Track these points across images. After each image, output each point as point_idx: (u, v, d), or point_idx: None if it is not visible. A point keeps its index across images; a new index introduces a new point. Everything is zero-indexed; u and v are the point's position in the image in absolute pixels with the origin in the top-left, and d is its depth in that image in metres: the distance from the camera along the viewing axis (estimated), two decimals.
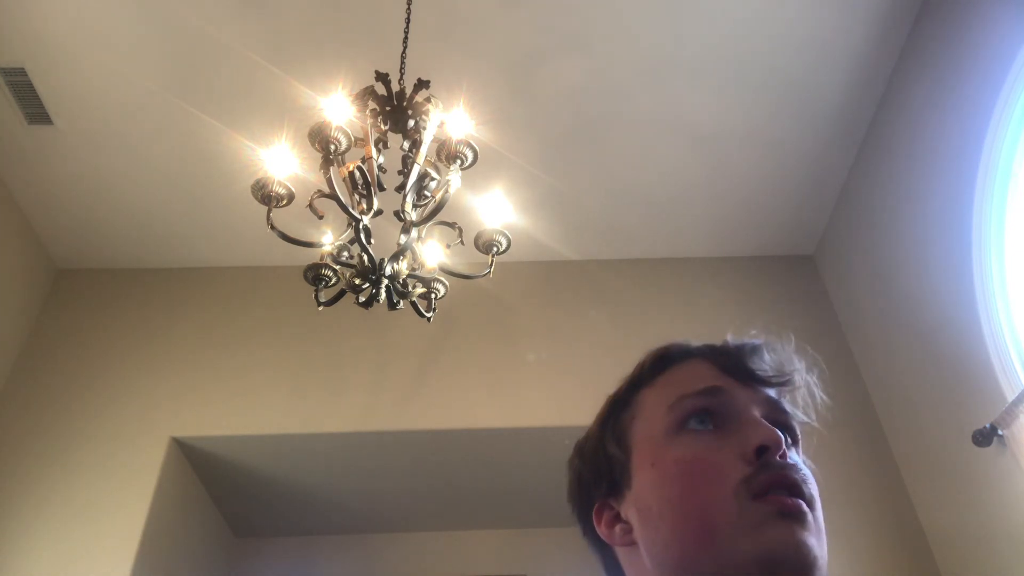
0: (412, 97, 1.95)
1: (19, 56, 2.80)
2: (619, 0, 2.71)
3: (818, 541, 0.57)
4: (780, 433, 0.61)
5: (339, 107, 1.75)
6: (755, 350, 0.68)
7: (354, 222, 1.78)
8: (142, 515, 2.80)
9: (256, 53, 2.77)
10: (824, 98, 3.03)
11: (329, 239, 1.88)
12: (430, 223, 1.88)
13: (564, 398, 3.08)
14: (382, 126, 1.94)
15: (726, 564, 0.55)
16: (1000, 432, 2.31)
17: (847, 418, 2.98)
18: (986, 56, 2.41)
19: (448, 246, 1.98)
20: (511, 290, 3.35)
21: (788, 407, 0.67)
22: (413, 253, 1.92)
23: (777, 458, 0.59)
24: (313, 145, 1.73)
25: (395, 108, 1.95)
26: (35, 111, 2.97)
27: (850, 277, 3.35)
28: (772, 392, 0.67)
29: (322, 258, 1.90)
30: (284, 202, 1.80)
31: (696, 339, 0.73)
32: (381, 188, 1.84)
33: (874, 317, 3.14)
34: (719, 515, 0.57)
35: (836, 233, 3.45)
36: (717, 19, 2.77)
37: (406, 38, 2.19)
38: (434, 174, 1.88)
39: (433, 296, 1.97)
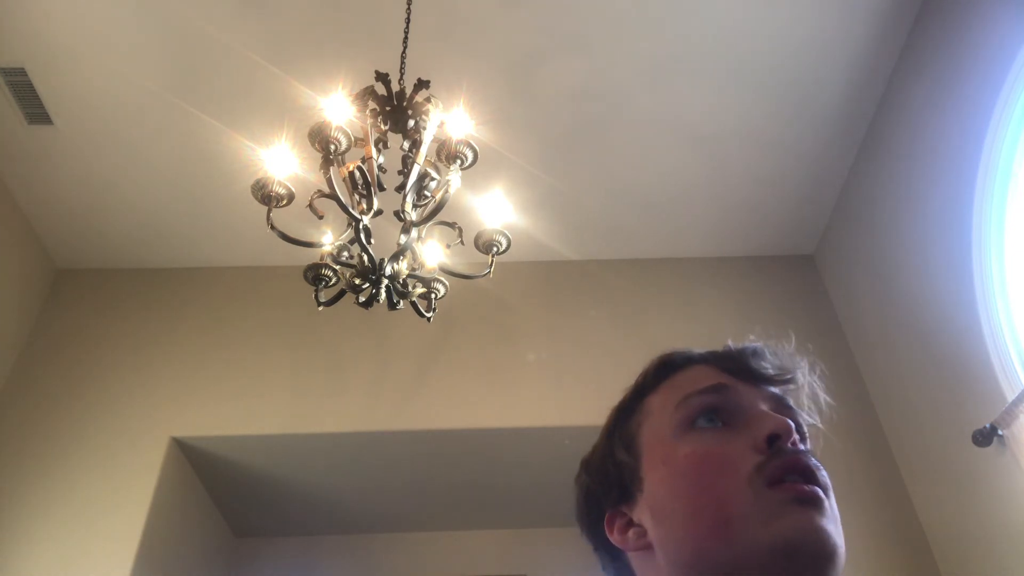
0: (412, 97, 1.95)
1: (19, 56, 2.80)
2: (619, 0, 2.71)
3: (836, 528, 0.56)
4: (789, 421, 0.61)
5: (339, 107, 1.75)
6: (757, 352, 0.68)
7: (354, 222, 1.78)
8: (142, 515, 2.80)
9: (256, 53, 2.77)
10: (824, 98, 3.03)
11: (329, 239, 1.88)
12: (430, 223, 1.88)
13: (564, 398, 3.08)
14: (382, 126, 1.94)
15: (743, 554, 0.54)
16: (1000, 432, 2.31)
17: (847, 418, 2.98)
18: (986, 56, 2.41)
19: (448, 246, 1.98)
20: (511, 290, 3.35)
21: (793, 405, 0.67)
22: (413, 253, 1.92)
23: (788, 445, 0.59)
24: (313, 145, 1.73)
25: (395, 108, 1.95)
26: (35, 111, 2.97)
27: (850, 277, 3.35)
28: (776, 390, 0.67)
29: (322, 258, 1.90)
30: (284, 202, 1.80)
31: (696, 340, 0.74)
32: (381, 188, 1.84)
33: (874, 317, 3.14)
34: (734, 505, 0.56)
35: (836, 233, 3.45)
36: (717, 19, 2.78)
37: (406, 38, 2.19)
38: (434, 174, 1.88)
39: (433, 296, 1.97)
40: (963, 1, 2.54)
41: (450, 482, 3.39)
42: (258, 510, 3.53)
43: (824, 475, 0.58)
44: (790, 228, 3.54)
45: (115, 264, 3.56)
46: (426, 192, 1.91)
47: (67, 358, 3.24)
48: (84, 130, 3.05)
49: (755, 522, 0.55)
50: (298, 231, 1.84)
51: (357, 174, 1.78)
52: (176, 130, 3.05)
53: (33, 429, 3.02)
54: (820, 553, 0.54)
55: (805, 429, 0.66)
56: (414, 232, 1.88)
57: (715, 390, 0.64)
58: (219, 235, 3.46)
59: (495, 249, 1.90)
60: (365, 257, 1.82)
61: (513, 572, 3.44)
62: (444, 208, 1.79)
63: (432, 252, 1.96)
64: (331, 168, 1.72)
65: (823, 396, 0.69)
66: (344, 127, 1.73)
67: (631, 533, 0.64)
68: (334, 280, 1.91)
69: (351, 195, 1.80)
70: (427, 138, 1.86)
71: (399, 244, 1.86)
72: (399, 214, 1.88)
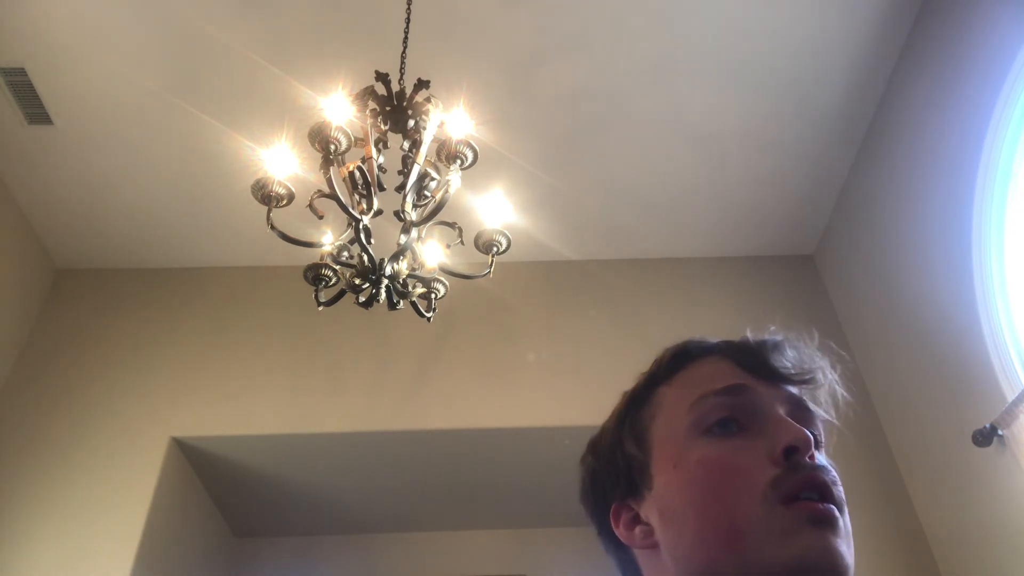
0: (412, 97, 1.95)
1: (19, 56, 2.80)
2: (619, 0, 2.71)
3: (848, 547, 0.55)
4: (808, 433, 0.59)
5: (339, 107, 1.75)
6: (777, 346, 0.65)
7: (354, 222, 1.78)
8: (142, 515, 2.80)
9: (256, 53, 2.77)
10: (824, 98, 3.03)
11: (329, 239, 1.88)
12: (430, 223, 1.88)
13: (564, 398, 3.08)
14: (382, 126, 1.94)
15: (754, 570, 0.54)
16: (1000, 432, 2.31)
17: (847, 418, 2.98)
18: (986, 56, 2.41)
19: (448, 246, 1.98)
20: (511, 290, 3.35)
21: (811, 406, 0.65)
22: (413, 253, 1.92)
23: (806, 459, 0.58)
24: (313, 145, 1.73)
25: (395, 108, 1.95)
26: (35, 111, 2.96)
27: (850, 277, 3.35)
28: (795, 390, 0.65)
29: (322, 258, 1.90)
30: (284, 202, 1.80)
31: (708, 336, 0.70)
32: (381, 188, 1.84)
33: (874, 317, 3.14)
34: (747, 520, 0.55)
35: (836, 233, 3.45)
36: (717, 19, 2.77)
37: (406, 38, 2.19)
38: (434, 174, 1.88)
39: (433, 296, 1.97)
40: (963, 1, 2.54)
41: (450, 482, 3.39)
42: (258, 510, 3.53)
43: (839, 490, 0.57)
44: (790, 228, 3.54)
45: (115, 264, 3.56)
46: (426, 192, 1.91)
47: (67, 358, 3.24)
48: (84, 130, 3.05)
49: (768, 540, 0.54)
50: (298, 231, 1.84)
51: (357, 174, 1.78)
52: (176, 130, 3.05)
53: (33, 429, 3.02)
54: (832, 573, 0.53)
55: (822, 436, 0.64)
56: (414, 232, 1.88)
57: (732, 391, 0.62)
58: (219, 235, 3.46)
59: (495, 249, 1.90)
60: (365, 257, 1.82)
61: (513, 572, 3.44)
62: (444, 208, 1.79)
63: (432, 252, 1.96)
64: (331, 168, 1.72)
65: (842, 392, 0.67)
66: (344, 127, 1.73)
67: (638, 531, 0.63)
68: (334, 280, 1.91)
69: (351, 195, 1.80)
70: (427, 138, 1.86)
71: (399, 244, 1.86)
72: (399, 214, 1.88)
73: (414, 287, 1.93)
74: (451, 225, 1.96)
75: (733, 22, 2.78)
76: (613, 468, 0.67)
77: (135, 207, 3.34)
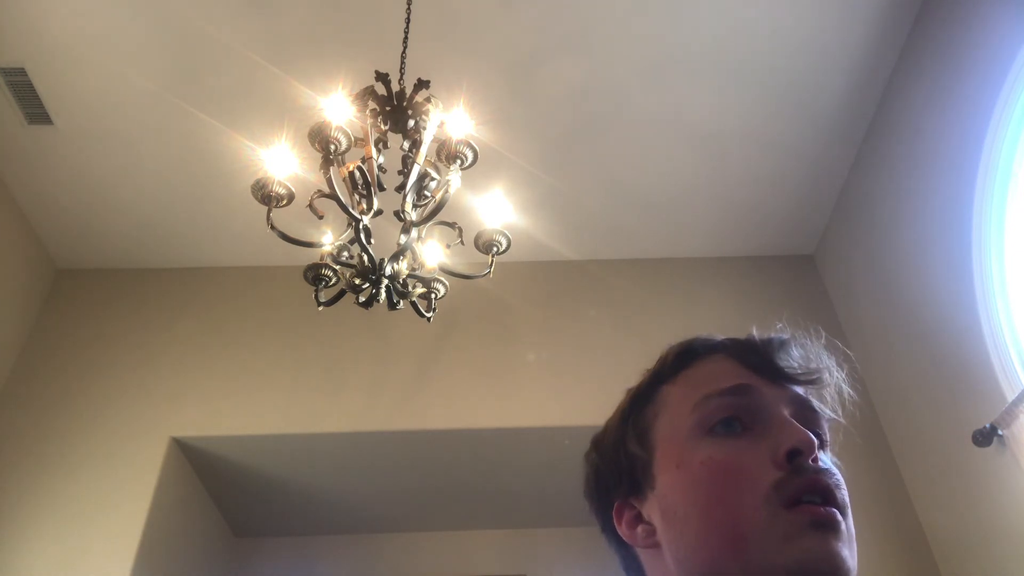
0: (412, 97, 1.95)
1: (19, 56, 2.80)
2: (619, 0, 2.71)
3: (850, 551, 0.55)
4: (812, 435, 0.59)
5: (339, 107, 1.75)
6: (782, 345, 0.65)
7: (354, 222, 1.78)
8: (142, 515, 2.80)
9: (256, 53, 2.77)
10: (824, 98, 3.03)
11: (329, 239, 1.88)
12: (430, 223, 1.88)
13: (564, 398, 3.08)
14: (382, 126, 1.94)
15: (756, 573, 0.54)
16: (1000, 432, 2.31)
17: (851, 417, 2.98)
18: (986, 56, 2.41)
19: (448, 246, 1.98)
20: (511, 290, 3.35)
21: (817, 406, 0.64)
22: (413, 253, 1.92)
23: (809, 462, 0.57)
24: (313, 145, 1.73)
25: (395, 108, 1.95)
26: (35, 111, 2.97)
27: (850, 277, 3.35)
28: (800, 390, 0.64)
29: (322, 258, 1.90)
30: (284, 202, 1.80)
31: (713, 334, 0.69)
32: (381, 188, 1.84)
33: (874, 317, 3.14)
34: (749, 523, 0.55)
35: (836, 233, 3.45)
36: (717, 19, 2.78)
37: (406, 38, 2.19)
38: (434, 174, 1.88)
39: (433, 296, 1.97)
40: (963, 1, 2.54)
41: (450, 482, 3.39)
42: (258, 510, 3.53)
43: (843, 494, 0.57)
44: (790, 228, 3.54)
45: (115, 264, 3.56)
46: (426, 192, 1.91)
47: (67, 358, 3.24)
48: (84, 130, 3.05)
49: (770, 543, 0.54)
50: (298, 231, 1.84)
51: (357, 174, 1.78)
52: (176, 130, 3.05)
53: (33, 429, 3.02)
54: None
55: (827, 436, 0.64)
56: (414, 232, 1.88)
57: (736, 392, 0.62)
58: (219, 235, 3.46)
59: (495, 249, 1.90)
60: (365, 257, 1.82)
61: (513, 572, 3.44)
62: (444, 208, 1.79)
63: (432, 252, 1.96)
64: (331, 168, 1.72)
65: (848, 391, 0.67)
66: (344, 127, 1.73)
67: (640, 529, 0.63)
68: (334, 280, 1.91)
69: (351, 195, 1.80)
70: (427, 138, 1.86)
71: (399, 244, 1.86)
72: (399, 214, 1.88)
73: (414, 287, 1.93)
74: (451, 225, 1.96)
75: (733, 22, 2.78)
76: (616, 466, 0.67)
77: (135, 207, 3.34)
